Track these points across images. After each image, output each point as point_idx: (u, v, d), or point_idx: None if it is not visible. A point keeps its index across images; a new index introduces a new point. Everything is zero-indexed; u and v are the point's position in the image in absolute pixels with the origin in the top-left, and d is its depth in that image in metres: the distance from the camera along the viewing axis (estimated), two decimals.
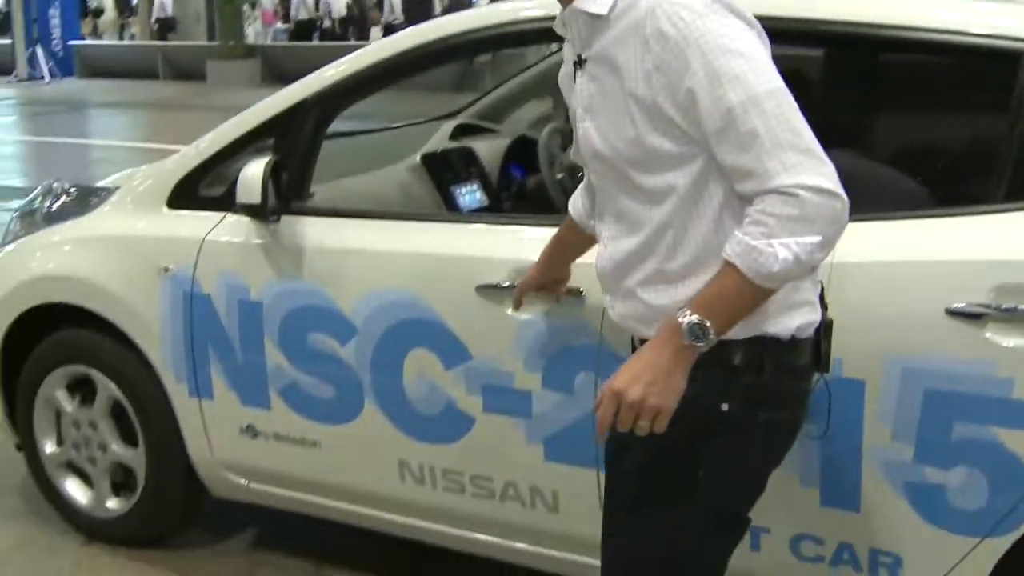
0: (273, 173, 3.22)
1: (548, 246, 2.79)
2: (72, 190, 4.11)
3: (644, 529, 2.20)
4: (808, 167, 1.92)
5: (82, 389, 3.87)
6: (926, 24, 2.72)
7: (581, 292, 2.84)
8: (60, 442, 3.98)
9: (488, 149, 4.49)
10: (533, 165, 4.16)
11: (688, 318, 1.99)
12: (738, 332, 2.07)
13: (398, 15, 24.03)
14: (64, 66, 22.73)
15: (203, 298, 3.41)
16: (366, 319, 3.17)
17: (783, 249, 1.91)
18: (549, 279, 2.83)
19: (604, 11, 2.10)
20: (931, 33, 2.70)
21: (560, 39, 2.37)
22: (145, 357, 3.60)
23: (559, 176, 3.91)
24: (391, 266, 3.17)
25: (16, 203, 9.81)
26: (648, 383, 2.01)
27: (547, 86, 4.37)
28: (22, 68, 22.46)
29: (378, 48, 3.33)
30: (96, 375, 3.77)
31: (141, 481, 3.80)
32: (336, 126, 3.51)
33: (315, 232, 3.29)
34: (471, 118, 4.68)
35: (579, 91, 2.21)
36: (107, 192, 3.87)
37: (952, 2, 2.86)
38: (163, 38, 24.72)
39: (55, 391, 3.89)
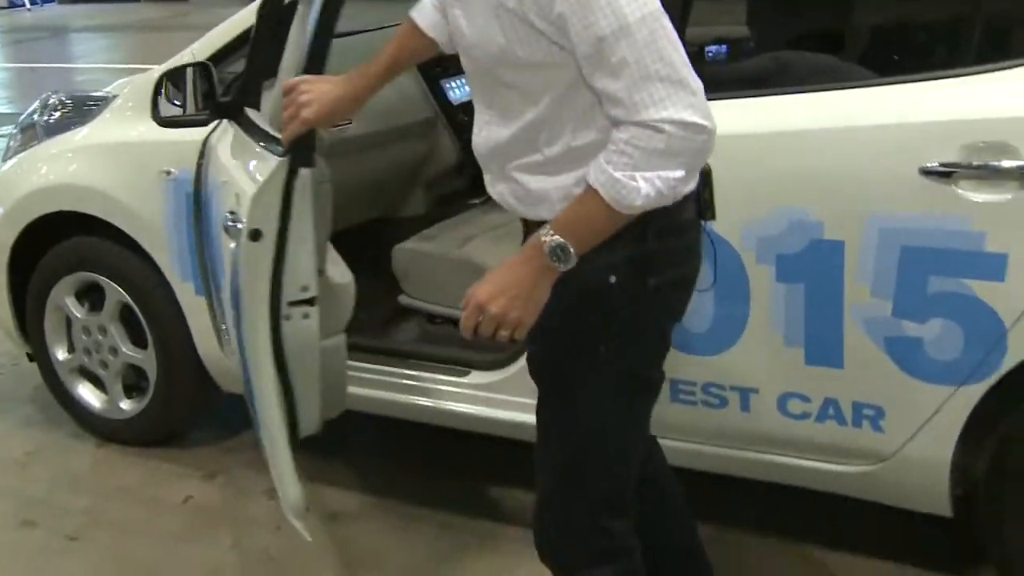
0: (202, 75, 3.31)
1: (382, 59, 2.56)
2: (70, 101, 4.18)
3: (565, 406, 2.26)
4: (676, 100, 1.89)
5: (91, 295, 3.99)
6: None
7: None
8: (71, 349, 4.10)
9: None
10: None
11: (551, 239, 2.02)
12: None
13: None
14: None
15: (204, 198, 3.49)
16: None
17: (646, 184, 1.92)
18: (361, 97, 2.59)
19: None
20: None
21: None
22: (151, 260, 3.71)
23: None
24: None
25: (4, 129, 9.95)
26: (512, 297, 2.07)
27: None
28: None
29: None
30: (104, 281, 3.88)
31: (153, 381, 3.93)
32: None
33: None
34: None
35: None
36: (105, 101, 3.95)
37: None
38: None
39: (64, 299, 4.00)
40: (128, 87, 3.92)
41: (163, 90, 3.49)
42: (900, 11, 3.42)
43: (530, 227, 2.18)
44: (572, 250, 2.02)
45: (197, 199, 3.48)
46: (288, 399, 2.95)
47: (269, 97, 3.19)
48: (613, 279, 2.12)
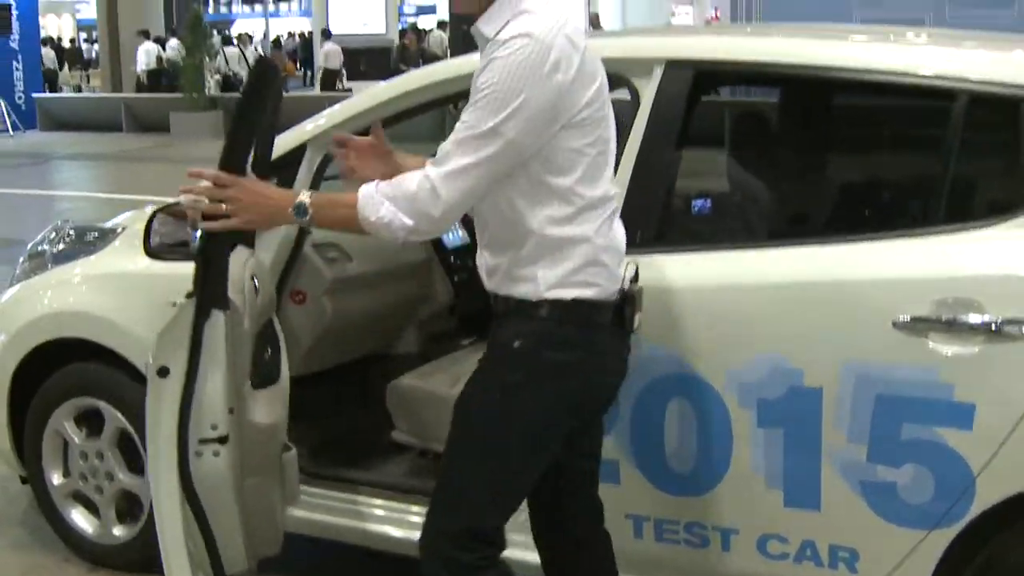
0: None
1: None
2: (79, 231, 4.32)
3: (464, 438, 2.73)
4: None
5: (89, 421, 4.06)
6: (873, 66, 3.05)
7: None
8: (67, 473, 4.16)
9: None
10: None
11: (303, 198, 2.65)
12: (537, 293, 2.61)
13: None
14: (27, 119, 22.78)
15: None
16: None
17: (387, 212, 2.54)
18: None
19: (491, 34, 2.58)
20: (876, 74, 3.03)
21: None
22: None
23: None
24: None
25: None
26: (252, 203, 2.70)
27: None
28: None
29: (370, 96, 3.60)
30: (105, 407, 3.96)
31: (146, 507, 3.97)
32: None
33: None
34: None
35: None
36: (114, 232, 4.10)
37: (891, 45, 3.20)
38: (154, 89, 24.83)
39: (63, 423, 4.07)
40: (136, 219, 4.07)
41: (155, 225, 3.65)
42: (874, 169, 3.64)
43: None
44: (311, 217, 2.65)
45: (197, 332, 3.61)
46: (206, 535, 3.07)
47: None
48: (517, 344, 2.62)
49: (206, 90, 21.49)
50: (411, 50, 26.09)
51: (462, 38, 19.98)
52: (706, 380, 2.96)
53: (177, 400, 2.97)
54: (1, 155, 19.46)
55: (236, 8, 49.39)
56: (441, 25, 29.27)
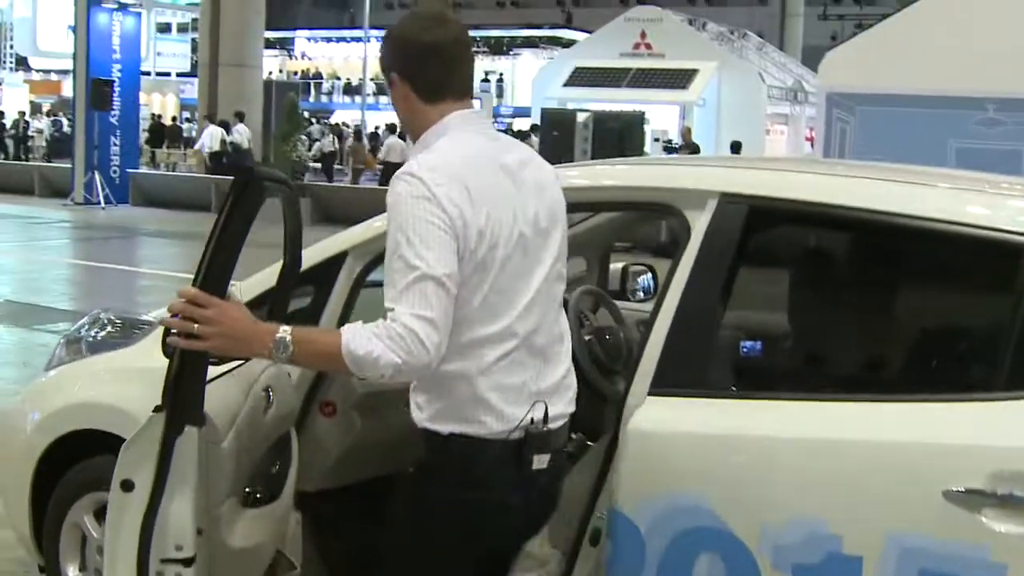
0: None
1: None
2: (118, 321, 4.27)
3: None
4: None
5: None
6: (942, 216, 2.88)
7: None
8: (83, 567, 4.05)
9: None
10: None
11: (282, 335, 2.56)
12: (420, 421, 2.71)
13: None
14: (119, 193, 23.18)
15: None
16: None
17: (376, 348, 2.47)
18: None
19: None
20: (943, 224, 2.87)
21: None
22: None
23: (587, 338, 4.02)
24: None
25: (62, 325, 10.15)
26: (228, 329, 2.59)
27: (580, 250, 4.52)
28: (79, 192, 22.95)
29: None
30: None
31: None
32: None
33: None
34: None
35: None
36: (151, 326, 4.03)
37: (969, 194, 3.03)
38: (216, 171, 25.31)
39: (83, 516, 3.97)
40: None
41: None
42: (932, 325, 3.45)
43: None
44: (291, 351, 2.56)
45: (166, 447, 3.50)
46: None
47: None
48: (411, 469, 2.75)
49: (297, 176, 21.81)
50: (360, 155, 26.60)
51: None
52: (739, 537, 2.77)
53: (140, 516, 2.85)
54: (92, 227, 19.85)
55: (336, 98, 50.43)
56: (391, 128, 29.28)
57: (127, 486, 2.86)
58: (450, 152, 2.65)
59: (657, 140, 27.76)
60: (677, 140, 28.19)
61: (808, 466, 2.74)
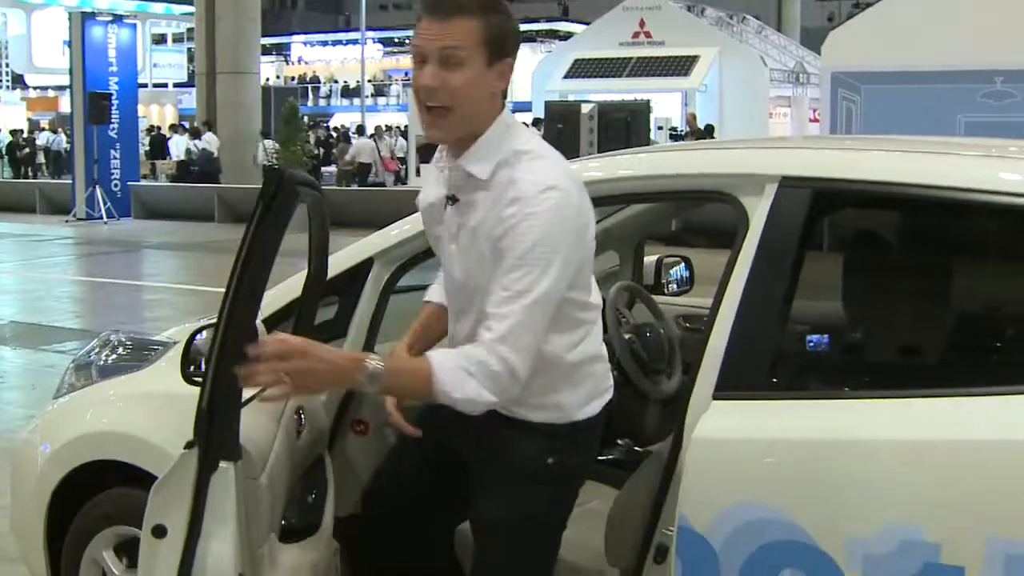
0: None
1: (413, 339, 2.97)
2: (128, 343, 4.04)
3: (517, 568, 2.87)
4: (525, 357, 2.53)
5: (130, 550, 3.72)
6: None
7: None
8: None
9: None
10: None
11: (374, 366, 2.46)
12: (584, 412, 2.77)
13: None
14: (121, 207, 22.97)
15: None
16: None
17: (470, 389, 2.49)
18: None
19: (483, 175, 2.61)
20: None
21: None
22: None
23: (627, 336, 3.77)
24: None
25: (69, 345, 9.94)
26: (318, 377, 2.48)
27: (612, 243, 4.29)
28: (80, 208, 22.75)
29: None
30: None
31: None
32: None
33: None
34: None
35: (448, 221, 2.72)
36: (164, 347, 3.80)
37: None
38: (185, 180, 25.40)
39: (102, 552, 3.74)
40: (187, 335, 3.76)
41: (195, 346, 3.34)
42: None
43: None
44: (381, 387, 2.51)
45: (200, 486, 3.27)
46: None
47: None
48: (550, 460, 2.73)
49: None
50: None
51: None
52: (824, 550, 2.52)
53: (175, 564, 2.61)
54: (94, 242, 19.66)
55: (335, 101, 50.28)
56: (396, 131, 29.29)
57: (159, 532, 2.63)
58: (555, 154, 2.68)
59: (661, 128, 27.51)
60: (682, 127, 27.95)
61: (898, 469, 2.49)
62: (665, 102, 30.19)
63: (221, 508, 2.63)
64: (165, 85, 47.35)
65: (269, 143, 25.42)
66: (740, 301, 2.74)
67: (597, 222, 4.56)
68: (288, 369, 2.41)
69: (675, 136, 27.01)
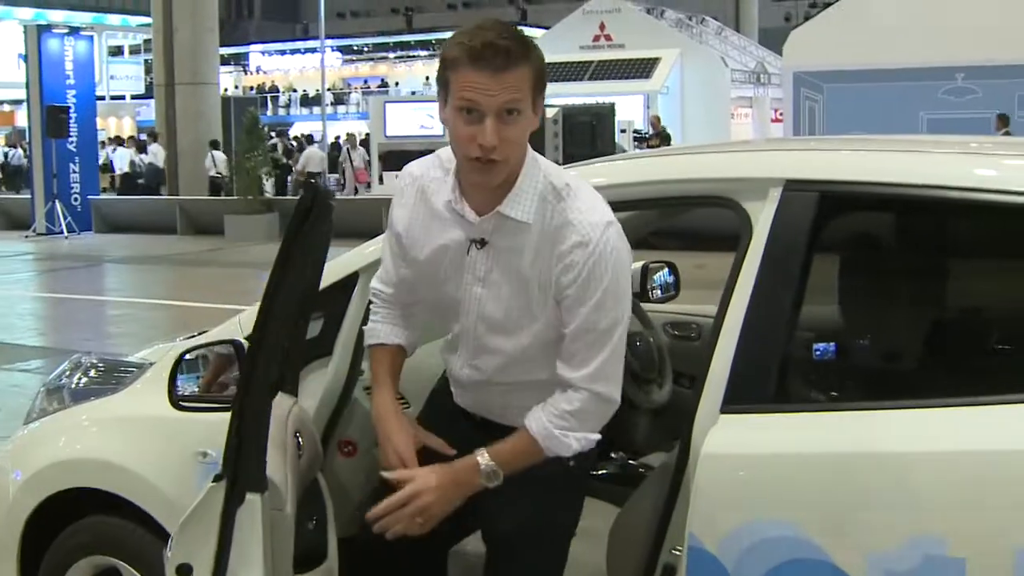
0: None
1: (387, 390, 2.80)
2: (102, 365, 3.91)
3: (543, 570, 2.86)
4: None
5: None
6: None
7: None
8: None
9: None
10: None
11: (487, 464, 2.60)
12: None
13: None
14: (82, 221, 22.74)
15: None
16: None
17: (575, 442, 2.61)
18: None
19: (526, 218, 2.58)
20: None
21: None
22: None
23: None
24: None
25: (34, 363, 9.76)
26: (442, 504, 2.61)
27: None
28: (40, 223, 22.49)
29: None
30: (124, 567, 3.50)
31: None
32: None
33: None
34: None
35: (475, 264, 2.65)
36: (139, 368, 3.66)
37: None
38: (130, 192, 25.44)
39: None
40: (163, 355, 3.63)
41: (182, 369, 3.23)
42: None
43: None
44: (502, 475, 2.61)
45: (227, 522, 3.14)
46: None
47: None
48: (572, 463, 2.70)
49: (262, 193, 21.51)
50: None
51: None
52: (842, 568, 2.41)
53: None
54: (56, 257, 19.45)
55: (294, 110, 50.00)
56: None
57: (184, 571, 2.51)
58: (588, 185, 2.69)
59: (624, 131, 27.50)
60: (646, 129, 27.93)
61: (919, 482, 2.39)
62: (627, 105, 30.18)
63: (248, 542, 2.53)
64: (123, 97, 47.00)
65: (219, 154, 25.23)
66: (746, 310, 2.64)
67: None
68: (413, 513, 2.58)
69: (639, 139, 26.99)
